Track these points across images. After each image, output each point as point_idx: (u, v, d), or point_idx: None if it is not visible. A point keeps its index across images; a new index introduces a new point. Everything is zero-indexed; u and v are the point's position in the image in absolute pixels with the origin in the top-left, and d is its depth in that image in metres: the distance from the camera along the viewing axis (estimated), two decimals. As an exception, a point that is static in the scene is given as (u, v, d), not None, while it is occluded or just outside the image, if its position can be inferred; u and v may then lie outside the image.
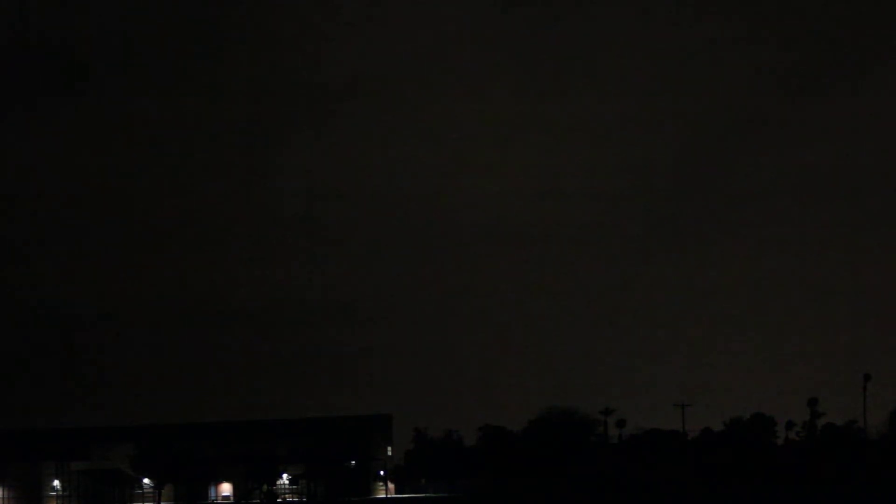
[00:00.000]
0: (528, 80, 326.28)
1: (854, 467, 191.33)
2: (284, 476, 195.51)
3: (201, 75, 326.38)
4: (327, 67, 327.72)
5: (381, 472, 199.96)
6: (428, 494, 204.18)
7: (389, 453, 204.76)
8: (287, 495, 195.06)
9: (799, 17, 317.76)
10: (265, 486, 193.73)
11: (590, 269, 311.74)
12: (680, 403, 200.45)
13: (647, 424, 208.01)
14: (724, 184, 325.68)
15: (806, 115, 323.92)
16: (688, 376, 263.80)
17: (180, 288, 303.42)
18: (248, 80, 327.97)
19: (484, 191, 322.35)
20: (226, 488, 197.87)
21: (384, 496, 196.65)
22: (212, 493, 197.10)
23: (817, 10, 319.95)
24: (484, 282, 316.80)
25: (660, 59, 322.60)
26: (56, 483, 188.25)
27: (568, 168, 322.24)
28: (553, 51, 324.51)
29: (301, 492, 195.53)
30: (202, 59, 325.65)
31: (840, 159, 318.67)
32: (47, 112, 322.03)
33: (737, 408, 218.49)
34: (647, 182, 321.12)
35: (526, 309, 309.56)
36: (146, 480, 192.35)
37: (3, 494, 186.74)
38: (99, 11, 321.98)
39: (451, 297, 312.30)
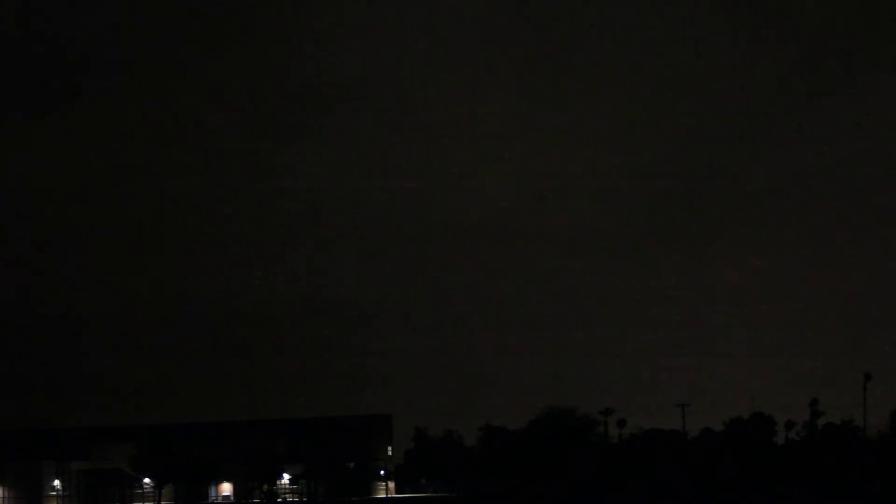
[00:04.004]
0: (529, 80, 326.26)
1: (854, 467, 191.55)
2: (284, 476, 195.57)
3: (201, 75, 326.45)
4: (327, 67, 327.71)
5: (381, 472, 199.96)
6: (428, 494, 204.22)
7: (389, 453, 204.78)
8: (287, 495, 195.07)
9: (799, 17, 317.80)
10: (265, 486, 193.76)
11: (589, 269, 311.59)
12: (680, 403, 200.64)
13: (647, 424, 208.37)
14: (724, 184, 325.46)
15: (806, 115, 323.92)
16: (688, 376, 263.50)
17: (180, 288, 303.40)
18: (248, 80, 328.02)
19: (484, 191, 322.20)
20: (226, 488, 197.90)
21: (384, 496, 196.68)
22: (212, 493, 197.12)
23: (817, 10, 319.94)
24: (484, 282, 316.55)
25: (660, 58, 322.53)
26: (56, 483, 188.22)
27: (568, 168, 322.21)
28: (553, 51, 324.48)
29: (301, 492, 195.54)
30: (202, 60, 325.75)
31: (840, 159, 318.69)
32: (47, 112, 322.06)
33: (737, 408, 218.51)
34: (647, 182, 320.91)
35: (526, 309, 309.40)
36: (146, 480, 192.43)
37: (3, 494, 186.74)
38: (99, 11, 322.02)
39: (450, 297, 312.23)
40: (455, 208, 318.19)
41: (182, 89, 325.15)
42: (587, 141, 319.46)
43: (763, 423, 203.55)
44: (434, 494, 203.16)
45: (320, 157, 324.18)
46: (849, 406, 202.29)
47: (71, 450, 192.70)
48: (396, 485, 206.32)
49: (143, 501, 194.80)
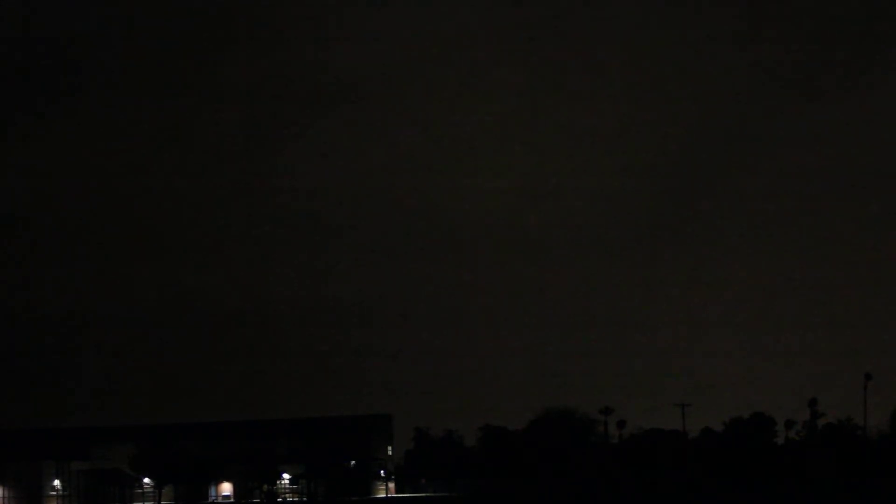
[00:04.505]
0: (529, 81, 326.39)
1: (854, 467, 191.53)
2: (284, 476, 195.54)
3: (200, 76, 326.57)
4: (327, 67, 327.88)
5: (381, 472, 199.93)
6: (428, 494, 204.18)
7: (389, 453, 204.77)
8: (287, 495, 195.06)
9: (799, 16, 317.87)
10: (265, 486, 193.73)
11: (590, 269, 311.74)
12: (680, 403, 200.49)
13: (647, 424, 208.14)
14: (724, 184, 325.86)
15: (805, 115, 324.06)
16: (688, 376, 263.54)
17: (179, 288, 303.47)
18: (248, 80, 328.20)
19: (484, 191, 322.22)
20: (226, 488, 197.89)
21: (384, 496, 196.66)
22: (212, 493, 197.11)
23: (817, 10, 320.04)
24: (484, 282, 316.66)
25: (660, 59, 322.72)
26: (56, 483, 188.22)
27: (568, 168, 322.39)
28: (553, 51, 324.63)
29: (301, 492, 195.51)
30: (201, 60, 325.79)
31: (840, 160, 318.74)
32: (47, 112, 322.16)
33: (737, 408, 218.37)
34: (647, 182, 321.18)
35: (526, 309, 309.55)
36: (146, 480, 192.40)
37: (3, 494, 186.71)
38: (99, 12, 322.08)
39: (450, 297, 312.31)
40: (455, 208, 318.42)
41: (182, 89, 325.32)
42: (587, 141, 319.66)
43: (763, 423, 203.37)
44: (434, 494, 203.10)
45: (320, 157, 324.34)
46: (849, 406, 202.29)
47: (71, 450, 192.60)
48: (396, 485, 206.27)
49: (143, 501, 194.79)
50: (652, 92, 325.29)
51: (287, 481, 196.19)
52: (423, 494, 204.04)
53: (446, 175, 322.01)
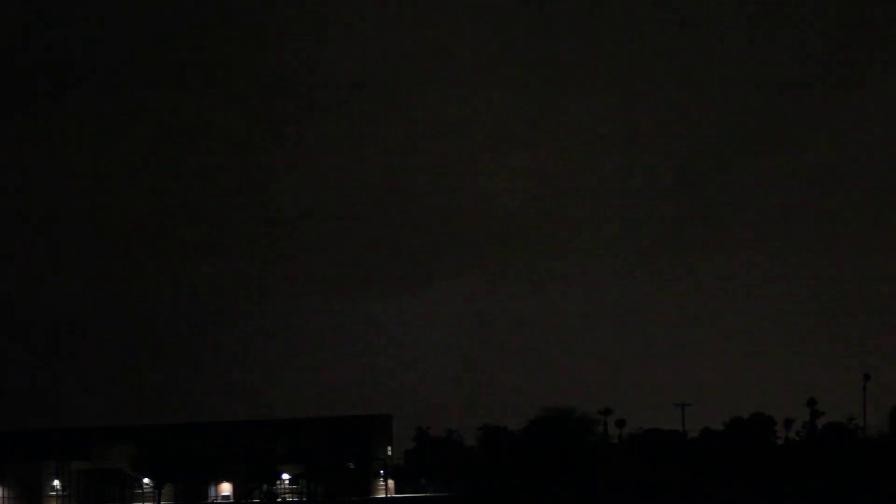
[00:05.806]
0: (529, 80, 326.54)
1: (854, 467, 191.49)
2: (284, 476, 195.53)
3: (200, 75, 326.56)
4: (326, 67, 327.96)
5: (381, 472, 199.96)
6: (428, 494, 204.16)
7: (389, 453, 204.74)
8: (287, 495, 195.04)
9: (799, 17, 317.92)
10: (265, 486, 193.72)
11: (589, 269, 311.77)
12: (680, 403, 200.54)
13: (647, 424, 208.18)
14: (724, 184, 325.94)
15: (806, 115, 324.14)
16: (688, 376, 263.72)
17: (180, 288, 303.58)
18: (247, 80, 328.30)
19: (484, 191, 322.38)
20: (226, 488, 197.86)
21: (384, 496, 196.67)
22: (212, 493, 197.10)
23: (817, 11, 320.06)
24: (483, 281, 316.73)
25: (660, 59, 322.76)
26: (56, 483, 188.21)
27: (568, 168, 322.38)
28: (553, 51, 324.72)
29: (301, 492, 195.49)
30: (200, 59, 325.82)
31: (840, 159, 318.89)
32: (45, 111, 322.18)
33: (737, 408, 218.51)
34: (647, 182, 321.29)
35: (525, 309, 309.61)
36: (146, 480, 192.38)
37: (3, 494, 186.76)
38: (98, 11, 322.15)
39: (451, 297, 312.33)
40: (455, 208, 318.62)
41: (180, 89, 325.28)
42: (587, 141, 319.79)
43: (763, 423, 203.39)
44: (434, 494, 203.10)
45: (319, 157, 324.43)
46: (848, 406, 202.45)
47: (71, 450, 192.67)
48: (396, 485, 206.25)
49: (143, 501, 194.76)
50: (652, 92, 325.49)
51: (287, 481, 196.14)
52: (423, 494, 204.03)
53: (446, 175, 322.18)
